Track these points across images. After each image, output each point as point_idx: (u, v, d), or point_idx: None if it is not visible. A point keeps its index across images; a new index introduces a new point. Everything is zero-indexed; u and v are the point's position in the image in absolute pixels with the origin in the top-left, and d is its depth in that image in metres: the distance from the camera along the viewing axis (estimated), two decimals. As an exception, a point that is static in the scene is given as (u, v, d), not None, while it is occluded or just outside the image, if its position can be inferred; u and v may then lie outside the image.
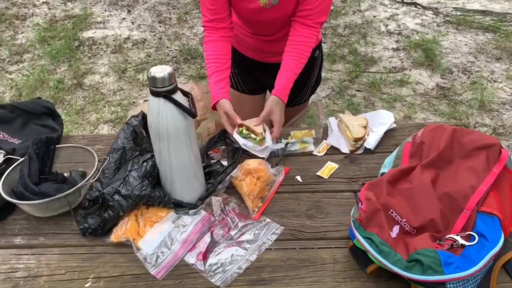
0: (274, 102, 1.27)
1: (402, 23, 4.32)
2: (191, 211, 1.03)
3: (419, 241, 0.82)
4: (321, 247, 0.95)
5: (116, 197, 0.97)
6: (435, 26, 4.24)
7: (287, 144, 1.24)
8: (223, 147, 1.20)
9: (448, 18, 4.43)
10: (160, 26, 4.38)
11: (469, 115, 2.91)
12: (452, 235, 0.85)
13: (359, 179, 1.14)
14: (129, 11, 4.72)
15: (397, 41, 3.96)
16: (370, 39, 4.00)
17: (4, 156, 1.13)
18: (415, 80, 3.32)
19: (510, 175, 0.96)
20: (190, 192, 1.04)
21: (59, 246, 1.01)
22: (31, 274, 0.93)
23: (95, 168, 1.07)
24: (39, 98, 1.44)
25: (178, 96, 0.91)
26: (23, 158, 1.10)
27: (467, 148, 0.99)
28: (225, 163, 1.14)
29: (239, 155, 1.12)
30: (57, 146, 1.17)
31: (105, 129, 3.00)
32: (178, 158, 0.96)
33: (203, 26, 1.37)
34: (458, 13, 4.62)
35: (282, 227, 1.01)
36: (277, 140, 1.26)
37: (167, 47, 4.03)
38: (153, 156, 1.02)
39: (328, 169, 1.18)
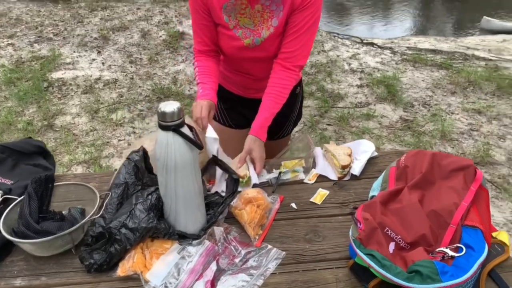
0: (252, 141, 1.34)
1: (364, 62, 4.62)
2: (194, 242, 1.06)
3: (415, 254, 0.90)
4: (322, 268, 1.01)
5: (123, 230, 0.99)
6: (394, 64, 4.57)
7: (280, 173, 1.31)
8: (219, 177, 1.25)
9: (405, 57, 4.79)
10: (131, 67, 4.44)
11: (433, 145, 3.12)
12: (442, 248, 0.94)
13: (349, 203, 1.22)
14: (99, 52, 4.77)
15: (360, 78, 4.22)
16: (336, 77, 4.25)
17: (1, 196, 1.12)
18: (380, 114, 3.54)
19: (484, 192, 1.07)
20: (193, 223, 1.07)
21: (62, 285, 1.00)
22: (36, 313, 0.92)
23: (97, 204, 1.08)
24: (30, 137, 1.44)
25: (185, 130, 0.97)
26: (21, 197, 1.10)
27: (446, 169, 1.10)
28: (223, 193, 1.18)
29: (237, 185, 1.17)
30: (55, 184, 1.17)
31: (79, 170, 2.95)
32: (184, 189, 1.00)
33: (193, 52, 1.48)
34: (412, 52, 5.01)
35: (284, 252, 1.05)
36: (269, 170, 1.33)
37: (140, 86, 4.08)
38: (157, 189, 1.06)
39: (320, 195, 1.25)
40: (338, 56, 4.77)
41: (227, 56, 1.50)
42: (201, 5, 1.35)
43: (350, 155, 1.36)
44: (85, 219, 1.03)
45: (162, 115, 0.94)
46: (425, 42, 5.78)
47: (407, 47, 5.41)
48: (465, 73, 4.24)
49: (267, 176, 1.30)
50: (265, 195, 1.16)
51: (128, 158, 1.15)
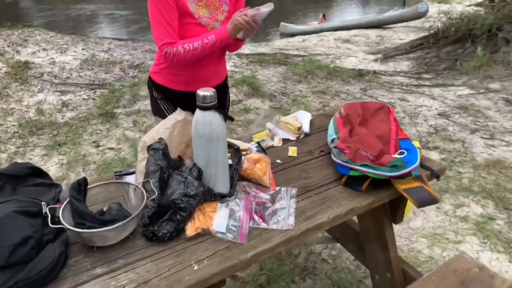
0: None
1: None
2: (232, 197, 1.32)
3: (385, 159, 1.39)
4: (326, 190, 1.41)
5: (185, 198, 1.19)
6: (245, 66, 5.24)
7: (258, 142, 1.65)
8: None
9: (250, 59, 5.52)
10: (-20, 106, 3.95)
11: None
12: (393, 155, 1.46)
13: (315, 150, 1.65)
14: None
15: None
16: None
17: (47, 205, 1.16)
18: (254, 107, 4.10)
19: (395, 121, 1.65)
20: (226, 184, 1.33)
21: (144, 258, 1.14)
22: (139, 282, 1.06)
23: (140, 190, 1.24)
24: (15, 162, 1.41)
25: (216, 109, 1.24)
26: (67, 200, 1.17)
27: (372, 110, 1.64)
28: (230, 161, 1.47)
29: (240, 153, 1.47)
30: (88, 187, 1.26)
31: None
32: (223, 156, 1.27)
33: (162, 48, 1.61)
34: (253, 54, 5.80)
35: (295, 188, 1.41)
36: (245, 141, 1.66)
37: (1, 124, 3.69)
38: (194, 165, 1.28)
39: (292, 150, 1.65)
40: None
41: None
42: None
43: (297, 120, 1.80)
44: (145, 200, 1.19)
45: (203, 98, 1.19)
46: (246, 48, 6.69)
47: (248, 52, 6.21)
48: (301, 66, 5.19)
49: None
50: (264, 155, 1.49)
51: (153, 149, 1.32)
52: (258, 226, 1.24)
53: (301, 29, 10.17)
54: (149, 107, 4.05)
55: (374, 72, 5.71)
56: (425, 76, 5.75)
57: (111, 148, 3.29)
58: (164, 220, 1.18)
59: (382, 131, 1.55)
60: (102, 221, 1.13)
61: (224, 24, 1.67)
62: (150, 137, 1.42)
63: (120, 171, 1.49)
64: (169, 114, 1.86)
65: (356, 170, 1.37)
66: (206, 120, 1.21)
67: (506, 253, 2.25)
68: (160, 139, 1.35)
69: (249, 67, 5.16)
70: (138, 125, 3.62)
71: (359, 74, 5.43)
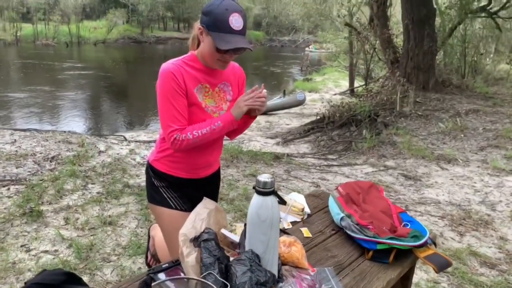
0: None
1: (144, 155, 5.06)
2: (283, 283, 1.34)
3: (404, 230, 1.57)
4: (357, 265, 1.52)
5: (257, 287, 1.19)
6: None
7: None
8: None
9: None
10: None
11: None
12: (398, 227, 1.66)
13: (325, 229, 1.77)
14: None
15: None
16: (130, 172, 4.48)
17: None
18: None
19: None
20: (276, 269, 1.36)
21: None
22: None
23: (209, 282, 1.19)
24: (44, 270, 1.21)
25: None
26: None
27: (365, 188, 1.87)
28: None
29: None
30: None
31: None
32: (277, 239, 1.31)
33: (171, 134, 1.64)
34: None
35: (330, 268, 1.49)
36: None
37: None
38: (251, 251, 1.29)
39: (306, 231, 1.74)
40: (117, 153, 5.00)
41: None
42: (182, 88, 1.64)
43: (297, 202, 1.92)
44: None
45: (264, 184, 1.26)
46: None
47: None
48: (224, 151, 5.39)
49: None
50: (296, 238, 1.56)
51: (204, 240, 1.29)
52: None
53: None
54: (80, 202, 3.74)
55: (288, 155, 6.20)
56: (330, 157, 6.44)
57: (46, 251, 2.89)
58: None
59: (382, 207, 1.76)
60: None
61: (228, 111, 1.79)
62: (188, 230, 1.40)
63: (153, 269, 1.39)
64: (173, 202, 1.83)
65: (383, 243, 1.52)
66: (268, 205, 1.27)
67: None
68: (208, 229, 1.34)
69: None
70: (72, 223, 3.27)
71: (276, 157, 5.84)
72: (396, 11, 11.06)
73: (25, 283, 1.16)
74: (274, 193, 1.28)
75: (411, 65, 8.69)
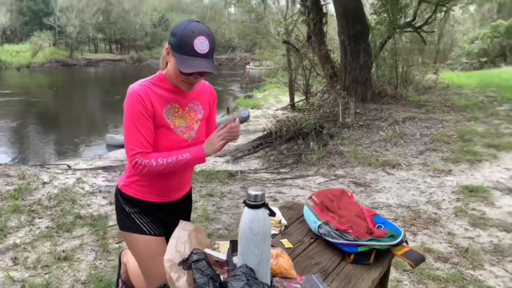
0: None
1: (92, 182, 4.82)
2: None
3: (380, 231, 1.65)
4: (341, 269, 1.56)
5: (256, 301, 1.18)
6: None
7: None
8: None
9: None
10: None
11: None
12: (373, 228, 1.74)
13: (303, 238, 1.80)
14: None
15: (104, 197, 4.41)
16: (81, 202, 4.24)
17: None
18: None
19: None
20: (269, 280, 1.36)
21: None
22: None
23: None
24: None
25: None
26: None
27: (337, 195, 1.94)
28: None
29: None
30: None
31: None
32: (269, 251, 1.32)
33: (133, 157, 1.60)
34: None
35: (317, 274, 1.52)
36: None
37: None
38: (244, 265, 1.28)
39: (286, 242, 1.76)
40: (64, 184, 4.72)
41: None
42: (150, 111, 1.61)
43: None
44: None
45: (255, 197, 1.27)
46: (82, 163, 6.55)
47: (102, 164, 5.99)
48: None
49: None
50: (282, 249, 1.57)
51: (194, 261, 1.26)
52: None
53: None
54: (27, 239, 3.45)
55: (241, 172, 6.22)
56: (282, 170, 6.56)
57: (-4, 295, 2.63)
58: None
59: (356, 211, 1.83)
60: None
61: (198, 131, 1.77)
62: (172, 255, 1.37)
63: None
64: (146, 228, 1.77)
65: (364, 245, 1.58)
66: (260, 218, 1.27)
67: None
68: (196, 249, 1.32)
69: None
70: (22, 262, 3.01)
71: (230, 175, 5.83)
72: (330, 28, 11.68)
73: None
74: (265, 205, 1.30)
75: (350, 79, 9.18)
